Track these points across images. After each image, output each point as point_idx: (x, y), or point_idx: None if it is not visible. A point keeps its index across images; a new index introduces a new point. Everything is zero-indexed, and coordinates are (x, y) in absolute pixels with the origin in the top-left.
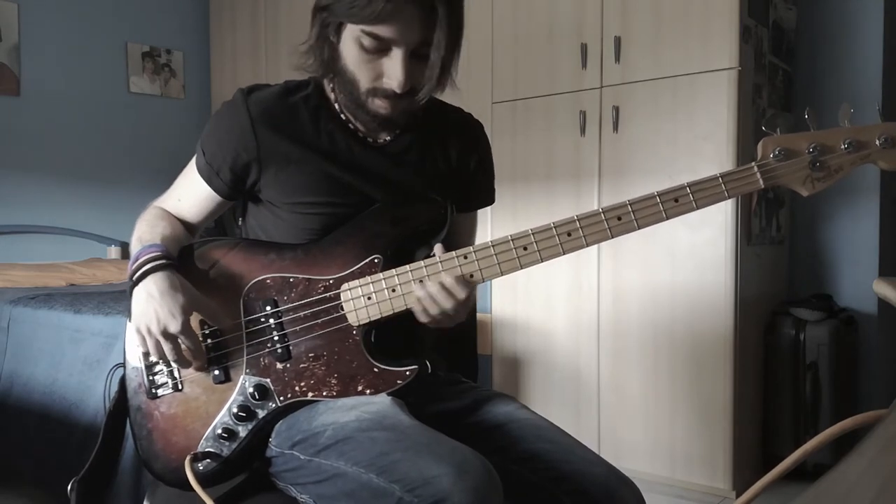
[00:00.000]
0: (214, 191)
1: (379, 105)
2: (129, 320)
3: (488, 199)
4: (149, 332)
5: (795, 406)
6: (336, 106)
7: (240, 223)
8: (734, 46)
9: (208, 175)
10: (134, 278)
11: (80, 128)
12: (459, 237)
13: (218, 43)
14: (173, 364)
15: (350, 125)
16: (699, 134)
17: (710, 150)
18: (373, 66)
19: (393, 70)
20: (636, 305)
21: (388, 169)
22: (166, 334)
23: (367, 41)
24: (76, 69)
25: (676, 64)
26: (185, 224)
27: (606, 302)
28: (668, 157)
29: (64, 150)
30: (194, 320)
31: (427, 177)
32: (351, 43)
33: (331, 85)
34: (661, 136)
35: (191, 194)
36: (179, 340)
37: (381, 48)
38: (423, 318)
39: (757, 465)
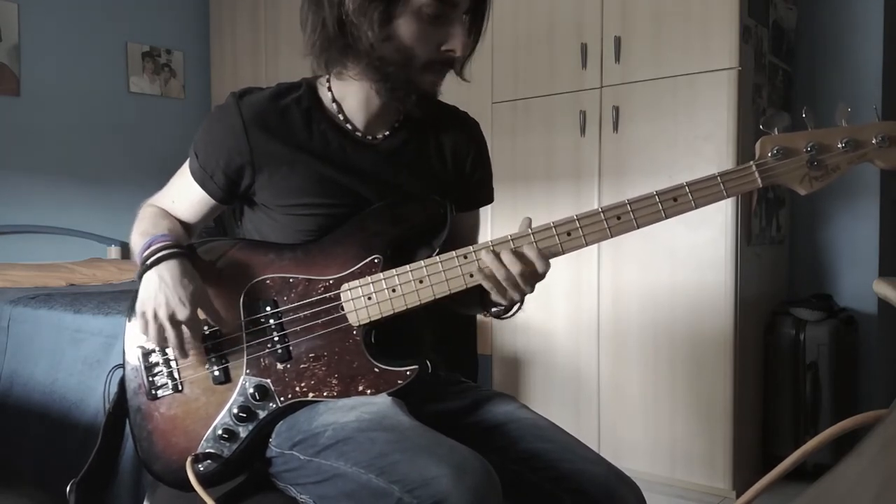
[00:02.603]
0: (209, 195)
1: (430, 81)
2: (129, 320)
3: (487, 197)
4: (154, 316)
5: (795, 406)
6: (333, 105)
7: (239, 225)
8: (734, 46)
9: (202, 179)
10: (148, 262)
11: (80, 128)
12: (462, 238)
13: (218, 43)
14: (171, 353)
15: (348, 125)
16: (699, 134)
17: (710, 151)
18: (433, 37)
19: (456, 33)
20: (636, 305)
21: (383, 167)
22: (173, 320)
23: (431, 8)
24: (76, 69)
25: (676, 64)
26: (182, 224)
27: (606, 302)
28: (668, 158)
29: (64, 150)
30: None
31: (422, 175)
32: (410, 19)
33: (327, 84)
34: (661, 136)
35: (185, 197)
36: (184, 329)
37: (443, 13)
38: (496, 293)
39: (757, 465)
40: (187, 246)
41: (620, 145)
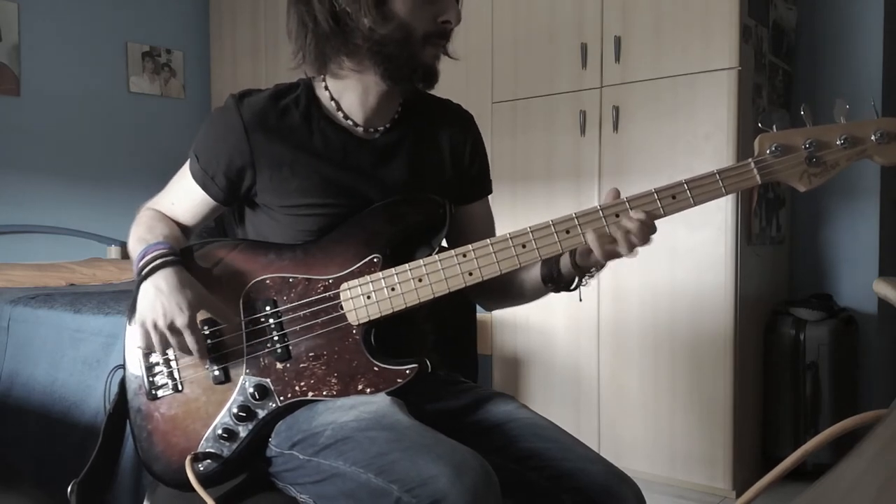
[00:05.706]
0: (210, 196)
1: (430, 54)
2: (129, 322)
3: (487, 188)
4: (154, 325)
5: (795, 406)
6: (332, 104)
7: (238, 226)
8: (734, 46)
9: (203, 181)
10: (143, 273)
11: (80, 128)
12: (477, 233)
13: (218, 43)
14: (171, 353)
15: (348, 120)
16: (699, 134)
17: (710, 150)
18: (428, 10)
19: (449, 4)
20: (636, 305)
21: (383, 163)
22: (172, 328)
23: None
24: (76, 69)
25: (676, 64)
26: (180, 227)
27: (606, 301)
28: (668, 157)
29: (64, 150)
30: (198, 318)
31: (422, 169)
32: None
33: (324, 83)
34: (661, 136)
35: (185, 198)
36: (185, 335)
37: None
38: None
39: (757, 465)
40: (183, 249)
41: (620, 145)
